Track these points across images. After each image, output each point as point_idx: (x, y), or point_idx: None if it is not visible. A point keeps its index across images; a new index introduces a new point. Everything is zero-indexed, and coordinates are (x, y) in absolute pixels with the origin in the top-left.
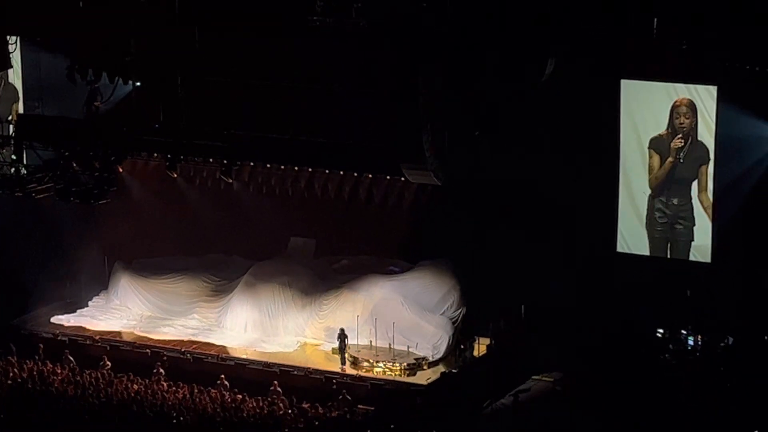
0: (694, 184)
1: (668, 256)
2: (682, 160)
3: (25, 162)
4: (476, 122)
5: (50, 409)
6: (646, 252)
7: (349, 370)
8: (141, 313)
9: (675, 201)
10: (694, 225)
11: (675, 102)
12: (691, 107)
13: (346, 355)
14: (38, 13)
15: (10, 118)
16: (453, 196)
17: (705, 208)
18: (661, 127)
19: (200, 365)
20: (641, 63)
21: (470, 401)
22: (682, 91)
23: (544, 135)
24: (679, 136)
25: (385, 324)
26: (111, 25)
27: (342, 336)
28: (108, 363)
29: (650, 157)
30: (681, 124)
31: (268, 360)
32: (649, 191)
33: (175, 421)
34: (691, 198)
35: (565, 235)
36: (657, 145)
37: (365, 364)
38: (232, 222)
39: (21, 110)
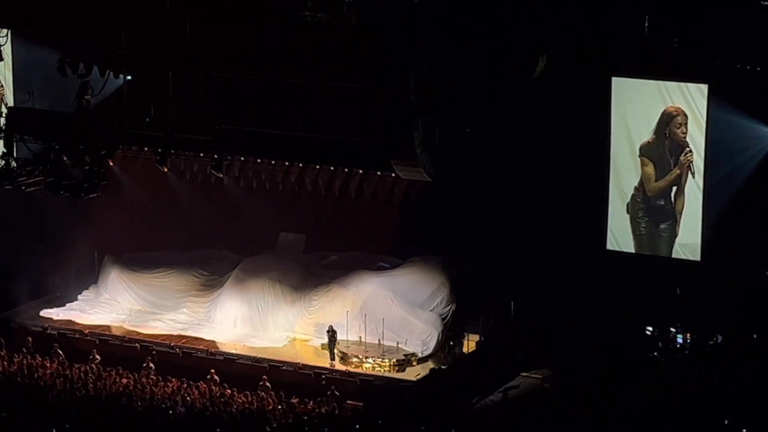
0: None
1: (654, 254)
2: (693, 172)
3: (15, 155)
4: (467, 118)
5: (39, 402)
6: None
7: (339, 366)
8: (130, 307)
9: (661, 202)
10: (677, 223)
11: (671, 111)
12: (685, 114)
13: (336, 350)
14: (29, 6)
15: None
16: (443, 192)
17: (677, 212)
18: (651, 126)
19: (189, 360)
20: (632, 61)
21: (459, 398)
22: (673, 89)
23: (534, 131)
24: (687, 150)
25: (374, 320)
26: (102, 19)
27: (331, 331)
28: (97, 357)
29: (644, 165)
30: (684, 133)
31: (258, 355)
32: (632, 191)
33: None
34: (671, 197)
35: (555, 233)
36: (647, 152)
37: (354, 359)
38: (222, 217)
39: (11, 103)
